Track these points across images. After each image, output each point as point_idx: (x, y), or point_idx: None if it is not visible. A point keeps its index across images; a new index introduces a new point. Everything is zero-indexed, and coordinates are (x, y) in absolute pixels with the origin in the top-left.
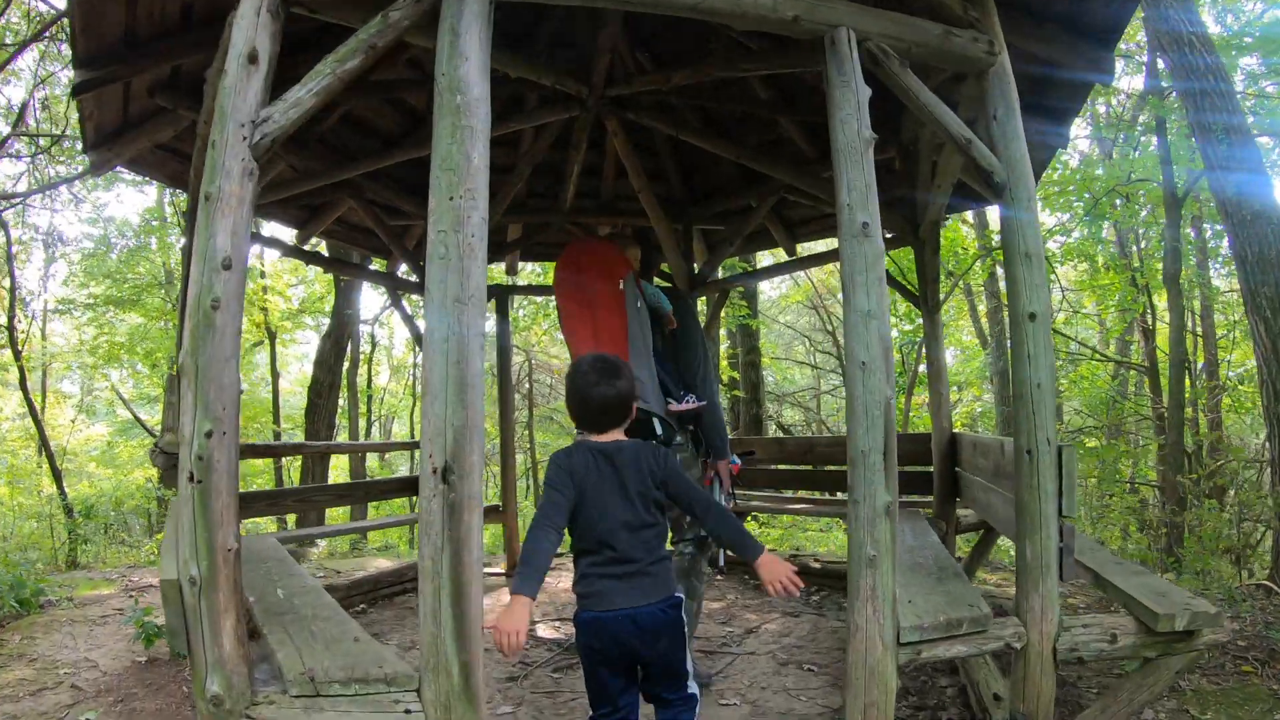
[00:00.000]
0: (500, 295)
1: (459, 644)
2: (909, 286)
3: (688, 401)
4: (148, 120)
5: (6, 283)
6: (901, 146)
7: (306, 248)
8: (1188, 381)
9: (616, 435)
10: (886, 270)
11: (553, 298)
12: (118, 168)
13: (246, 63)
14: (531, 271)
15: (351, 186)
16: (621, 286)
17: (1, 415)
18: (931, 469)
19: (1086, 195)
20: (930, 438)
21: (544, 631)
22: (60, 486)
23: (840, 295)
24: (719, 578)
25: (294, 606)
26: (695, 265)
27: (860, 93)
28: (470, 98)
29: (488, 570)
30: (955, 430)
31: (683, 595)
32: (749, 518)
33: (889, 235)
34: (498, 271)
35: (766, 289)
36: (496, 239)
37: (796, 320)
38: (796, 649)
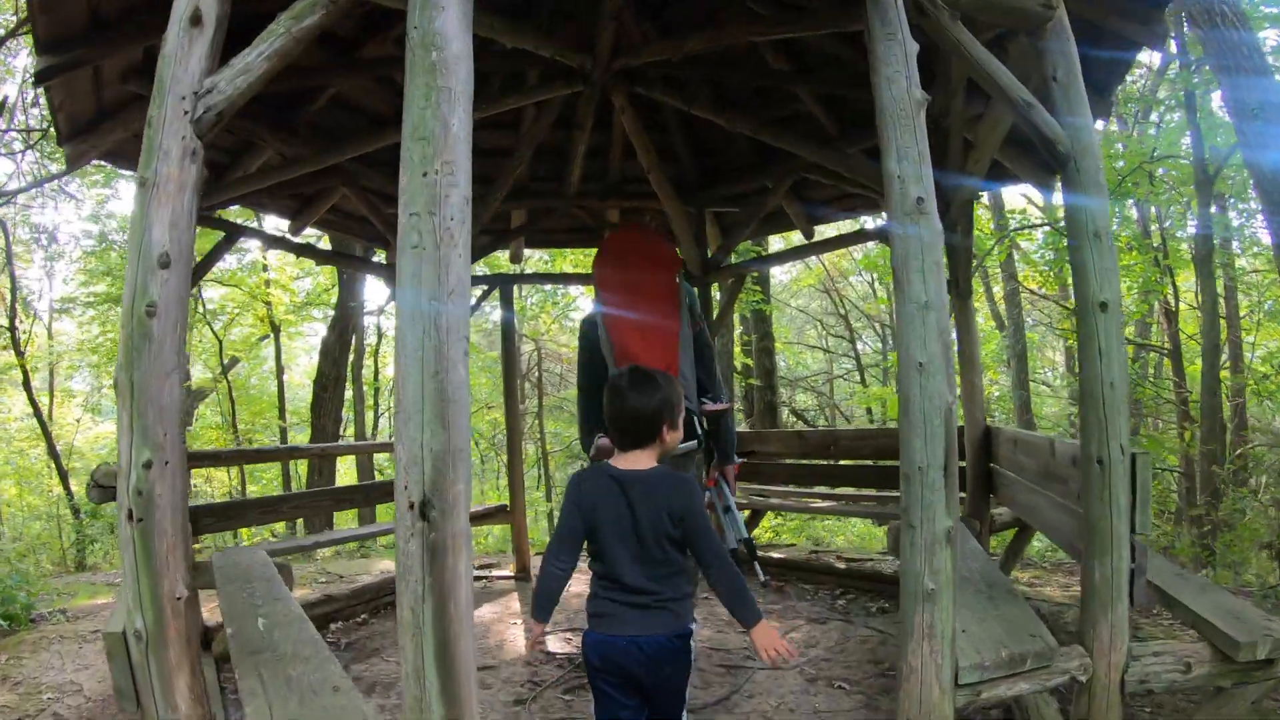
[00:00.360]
0: (505, 284)
1: (446, 707)
2: None
3: (721, 402)
4: (123, 109)
5: (7, 282)
6: (929, 120)
7: (311, 239)
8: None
9: (644, 460)
10: None
11: (560, 286)
12: (100, 161)
13: (189, 25)
14: (539, 259)
15: (344, 173)
16: (677, 280)
17: (10, 415)
18: (964, 464)
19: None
20: (962, 431)
21: (554, 645)
22: (66, 486)
23: (852, 278)
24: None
25: (273, 642)
26: (709, 250)
27: (908, 45)
28: (448, 54)
29: (496, 573)
30: (989, 424)
31: (694, 627)
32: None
33: None
34: (502, 259)
35: (777, 272)
36: (500, 226)
37: (808, 304)
38: (825, 662)
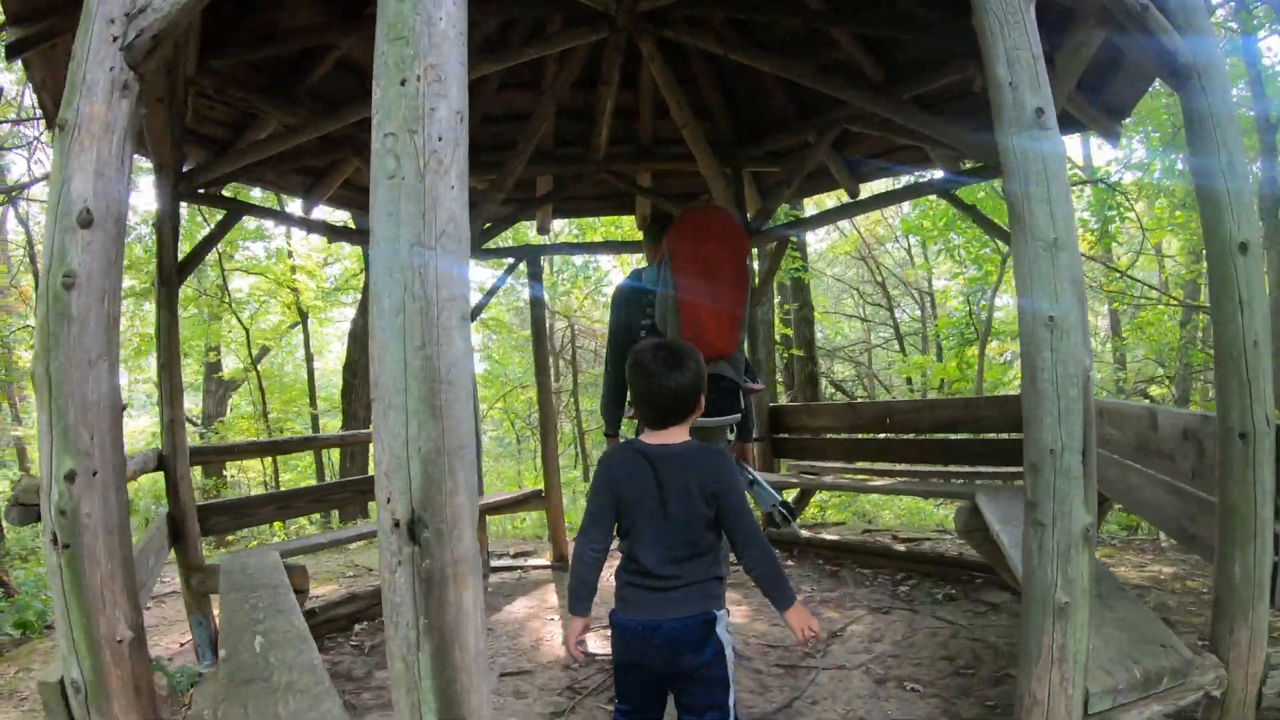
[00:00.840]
0: (532, 256)
1: None
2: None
3: (757, 383)
4: None
5: (32, 280)
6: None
7: (329, 219)
8: None
9: (678, 434)
10: (973, 205)
11: (591, 259)
12: None
13: None
14: (569, 233)
15: (354, 143)
16: (748, 262)
17: None
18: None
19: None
20: None
21: (594, 644)
22: None
23: (889, 245)
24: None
25: (268, 668)
26: (748, 214)
27: None
28: None
29: (531, 563)
30: None
31: (722, 612)
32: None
33: (975, 165)
34: (527, 230)
35: (812, 240)
36: (524, 194)
37: (844, 272)
38: (893, 659)
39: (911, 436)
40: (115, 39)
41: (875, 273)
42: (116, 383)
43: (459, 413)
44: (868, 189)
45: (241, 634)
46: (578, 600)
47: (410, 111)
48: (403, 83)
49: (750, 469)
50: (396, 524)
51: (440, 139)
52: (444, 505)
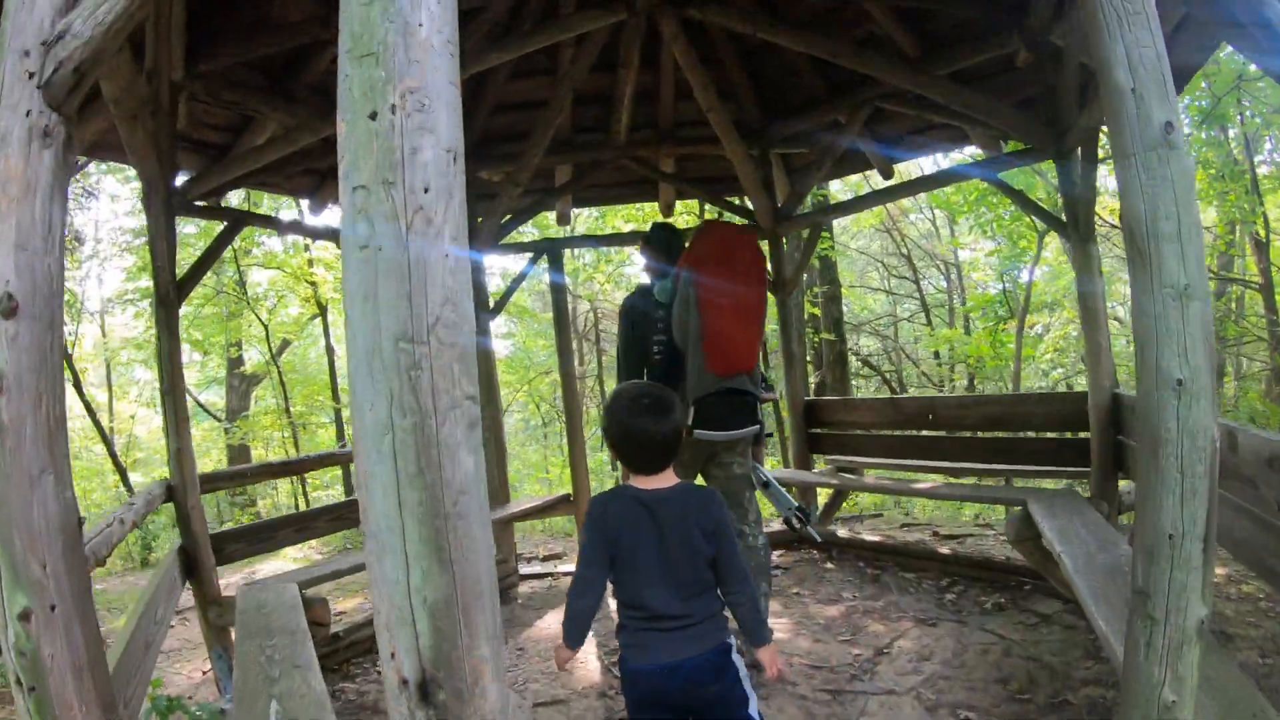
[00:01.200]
0: (553, 249)
1: None
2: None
3: (771, 392)
4: (97, 95)
5: None
6: (1029, 35)
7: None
8: None
9: (669, 477)
10: (1020, 191)
11: (614, 247)
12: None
13: None
14: (590, 218)
15: None
16: (766, 278)
17: (72, 413)
18: (1088, 435)
19: (1204, 86)
20: (1085, 397)
21: None
22: (126, 482)
23: (913, 216)
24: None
25: None
26: (778, 199)
27: None
28: None
29: (562, 569)
30: (1119, 391)
31: (732, 639)
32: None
33: (1024, 147)
34: (546, 217)
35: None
36: (542, 185)
37: (868, 245)
38: (944, 681)
39: (945, 434)
40: (31, 75)
41: (900, 245)
42: (69, 496)
43: (473, 552)
44: (900, 168)
45: (257, 697)
46: (573, 637)
47: (385, 156)
48: (373, 116)
49: (764, 471)
50: (404, 682)
51: (427, 190)
52: (461, 661)
